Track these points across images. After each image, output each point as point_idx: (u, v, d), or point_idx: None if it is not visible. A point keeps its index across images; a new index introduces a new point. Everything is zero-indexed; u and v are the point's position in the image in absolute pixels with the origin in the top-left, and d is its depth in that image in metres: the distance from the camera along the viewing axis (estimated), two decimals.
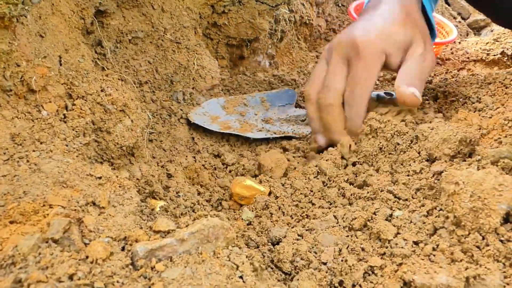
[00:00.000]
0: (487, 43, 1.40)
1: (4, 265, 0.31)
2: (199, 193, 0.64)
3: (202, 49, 0.94)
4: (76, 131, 0.51)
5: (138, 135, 0.60)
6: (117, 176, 0.42)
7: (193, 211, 0.52)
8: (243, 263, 0.35)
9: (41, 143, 0.46)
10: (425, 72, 0.67)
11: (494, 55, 1.33)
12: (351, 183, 0.60)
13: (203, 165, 0.74)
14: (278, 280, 0.41)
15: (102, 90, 0.59)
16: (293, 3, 1.30)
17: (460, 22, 1.69)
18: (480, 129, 0.60)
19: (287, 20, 1.26)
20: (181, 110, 0.83)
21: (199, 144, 0.78)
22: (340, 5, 1.53)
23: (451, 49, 1.41)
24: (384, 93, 0.97)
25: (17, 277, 0.29)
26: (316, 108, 0.70)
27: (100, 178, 0.42)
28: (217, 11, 1.01)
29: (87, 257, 0.32)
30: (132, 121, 0.59)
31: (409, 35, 0.67)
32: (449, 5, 1.72)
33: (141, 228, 0.37)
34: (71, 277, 0.30)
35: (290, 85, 1.05)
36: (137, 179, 0.61)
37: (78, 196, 0.38)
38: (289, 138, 0.81)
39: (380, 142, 0.62)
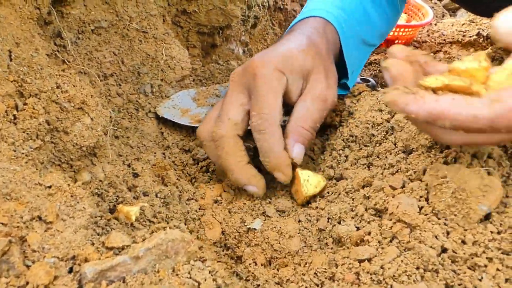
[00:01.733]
0: (462, 25, 1.39)
1: None
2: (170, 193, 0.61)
3: (171, 38, 0.90)
4: (28, 134, 0.47)
5: (99, 134, 0.56)
6: (68, 185, 0.39)
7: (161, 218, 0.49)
8: (205, 280, 0.32)
9: None
10: (322, 116, 0.60)
11: (470, 37, 1.31)
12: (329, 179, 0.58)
13: (173, 161, 0.70)
14: None
15: (57, 87, 0.54)
16: None
17: (435, 3, 1.67)
18: None
19: (260, 5, 1.22)
20: (149, 103, 0.79)
21: (168, 139, 0.75)
22: None
23: (427, 31, 1.40)
24: (361, 79, 0.94)
25: None
26: (213, 146, 0.60)
27: (50, 187, 0.38)
28: None
29: (27, 283, 0.29)
30: (92, 119, 0.55)
31: (309, 62, 0.61)
32: None
33: (93, 244, 0.34)
34: None
35: None
36: (100, 180, 0.57)
37: (23, 210, 0.34)
38: None
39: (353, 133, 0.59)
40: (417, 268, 0.40)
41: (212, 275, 0.33)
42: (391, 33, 1.22)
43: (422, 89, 0.38)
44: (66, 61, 0.75)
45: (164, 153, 0.71)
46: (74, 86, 0.55)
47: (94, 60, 0.80)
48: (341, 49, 0.72)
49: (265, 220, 0.54)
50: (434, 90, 0.38)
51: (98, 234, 0.36)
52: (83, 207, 0.36)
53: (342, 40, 0.71)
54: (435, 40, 1.34)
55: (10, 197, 0.36)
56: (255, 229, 0.52)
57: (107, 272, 0.30)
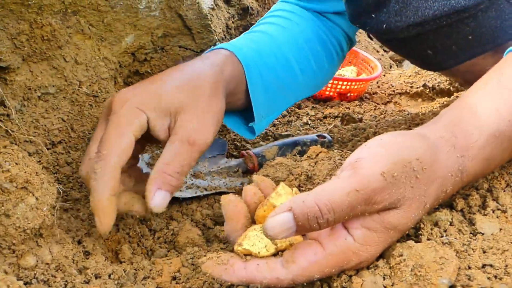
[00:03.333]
0: (409, 76, 1.45)
1: None
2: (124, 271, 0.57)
3: None
4: None
5: (45, 214, 0.52)
6: (8, 286, 0.35)
7: None
8: None
9: None
10: (191, 159, 0.56)
11: (417, 88, 1.37)
12: None
13: (127, 234, 0.67)
14: None
15: None
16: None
17: (383, 55, 1.75)
18: None
19: None
20: None
21: None
22: None
23: (377, 83, 1.45)
24: (317, 135, 0.95)
25: None
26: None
27: None
28: (139, 59, 0.95)
29: None
30: (36, 198, 0.51)
31: (180, 100, 0.57)
32: (371, 39, 1.78)
33: None
34: None
35: (220, 133, 1.00)
36: (47, 264, 0.53)
37: None
38: (221, 193, 0.76)
39: None
40: None
41: None
42: (344, 87, 1.26)
43: (234, 257, 0.44)
44: (9, 130, 0.71)
45: (118, 225, 0.67)
46: (16, 164, 0.51)
47: (41, 128, 0.76)
48: (245, 84, 0.69)
49: None
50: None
51: None
52: None
53: (247, 76, 0.68)
54: (385, 91, 1.39)
55: None
56: None
57: None
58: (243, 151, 0.87)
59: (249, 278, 0.42)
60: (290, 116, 1.15)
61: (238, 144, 0.98)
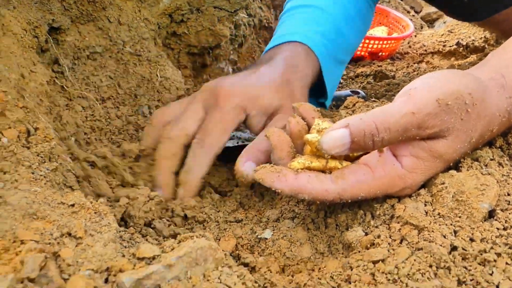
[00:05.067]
0: (442, 35, 1.44)
1: None
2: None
3: (164, 60, 0.92)
4: (41, 157, 0.48)
5: None
6: (91, 202, 0.40)
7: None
8: (235, 284, 0.33)
9: (4, 173, 0.42)
10: None
11: (450, 46, 1.36)
12: None
13: None
14: None
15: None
16: (251, 7, 1.29)
17: (413, 16, 1.73)
18: None
19: (246, 24, 1.25)
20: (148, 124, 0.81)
21: None
22: None
23: (408, 43, 1.44)
24: (351, 91, 0.97)
25: None
26: (155, 133, 0.67)
27: (73, 205, 0.39)
28: (176, 20, 0.98)
29: None
30: None
31: (277, 102, 0.66)
32: None
33: (124, 256, 0.35)
34: None
35: None
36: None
37: (52, 227, 0.35)
38: None
39: None
40: (430, 266, 0.42)
41: (240, 279, 0.34)
42: (375, 46, 1.27)
43: (286, 168, 0.46)
44: (64, 86, 0.76)
45: None
46: None
47: (91, 85, 0.81)
48: (319, 71, 0.75)
49: (274, 230, 0.56)
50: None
51: (126, 247, 0.37)
52: (108, 223, 0.37)
53: (322, 64, 0.75)
54: (416, 51, 1.39)
55: (36, 216, 0.37)
56: (266, 238, 0.53)
57: (143, 280, 0.32)
58: None
59: (299, 188, 0.44)
60: None
61: None
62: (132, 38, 0.89)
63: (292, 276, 0.49)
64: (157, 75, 0.89)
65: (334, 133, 0.42)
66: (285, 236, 0.53)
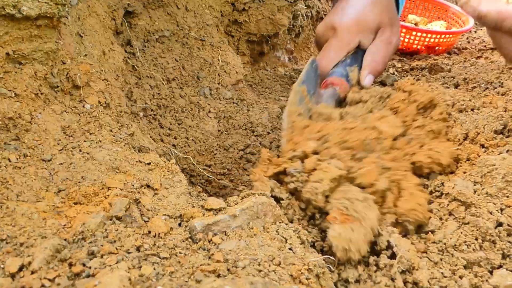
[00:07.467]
0: None
1: (76, 239, 0.33)
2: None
3: (225, 45, 0.97)
4: (120, 124, 0.54)
5: None
6: (165, 162, 0.45)
7: None
8: (291, 237, 0.37)
9: (90, 134, 0.49)
10: (389, 53, 0.79)
11: None
12: None
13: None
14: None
15: None
16: None
17: None
18: (505, 111, 0.61)
19: (304, 15, 1.28)
20: (209, 104, 0.86)
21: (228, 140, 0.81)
22: None
23: (467, 38, 1.42)
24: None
25: (89, 249, 0.32)
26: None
27: (149, 164, 0.44)
28: (238, 8, 1.03)
29: (149, 231, 0.35)
30: None
31: (377, 20, 0.78)
32: None
33: (194, 206, 0.40)
34: (138, 249, 0.33)
35: None
36: None
37: (132, 180, 0.41)
38: None
39: None
40: (476, 239, 0.44)
41: (296, 233, 0.38)
42: (432, 40, 1.26)
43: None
44: (135, 66, 0.83)
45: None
46: None
47: (159, 66, 0.88)
48: None
49: None
50: None
51: (195, 200, 0.42)
52: (180, 180, 0.42)
53: None
54: (475, 46, 1.37)
55: (119, 170, 0.42)
56: None
57: (212, 226, 0.36)
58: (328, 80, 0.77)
59: (508, 13, 0.52)
60: None
61: None
62: (197, 24, 0.94)
63: None
64: (218, 60, 0.94)
65: None
66: None
